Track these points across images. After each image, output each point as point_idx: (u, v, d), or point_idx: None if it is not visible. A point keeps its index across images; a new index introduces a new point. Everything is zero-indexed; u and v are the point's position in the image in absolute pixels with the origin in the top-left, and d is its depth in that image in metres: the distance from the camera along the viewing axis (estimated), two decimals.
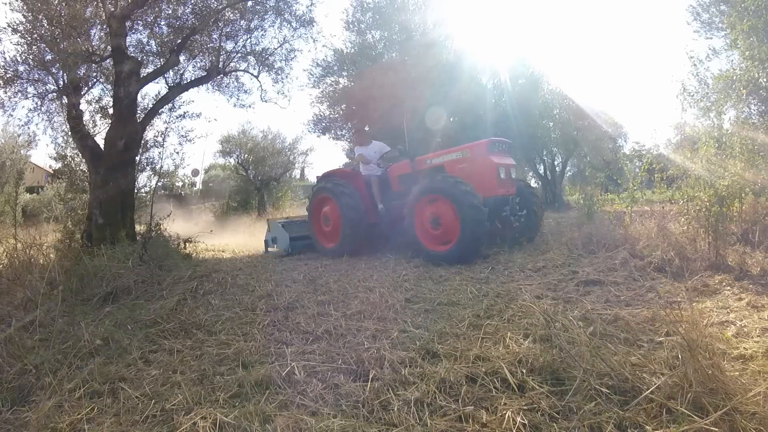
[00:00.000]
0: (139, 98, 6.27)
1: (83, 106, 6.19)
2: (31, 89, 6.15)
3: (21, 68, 5.87)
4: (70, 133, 6.11)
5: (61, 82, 6.06)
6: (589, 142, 14.20)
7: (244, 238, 10.19)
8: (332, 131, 11.57)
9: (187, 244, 5.64)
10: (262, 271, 4.60)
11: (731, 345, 1.99)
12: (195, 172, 22.13)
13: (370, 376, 1.81)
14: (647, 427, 1.36)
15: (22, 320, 2.48)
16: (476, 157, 4.92)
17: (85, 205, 6.01)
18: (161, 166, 6.83)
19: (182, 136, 7.37)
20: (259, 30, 7.13)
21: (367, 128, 7.49)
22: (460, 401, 1.58)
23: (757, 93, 6.19)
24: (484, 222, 4.31)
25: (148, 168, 6.82)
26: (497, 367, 1.77)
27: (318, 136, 11.71)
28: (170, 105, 6.89)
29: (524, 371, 1.74)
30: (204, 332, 2.58)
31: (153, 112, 6.56)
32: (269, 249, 6.88)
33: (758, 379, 1.59)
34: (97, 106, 6.45)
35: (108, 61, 6.15)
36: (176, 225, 6.39)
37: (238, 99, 7.76)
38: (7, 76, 5.79)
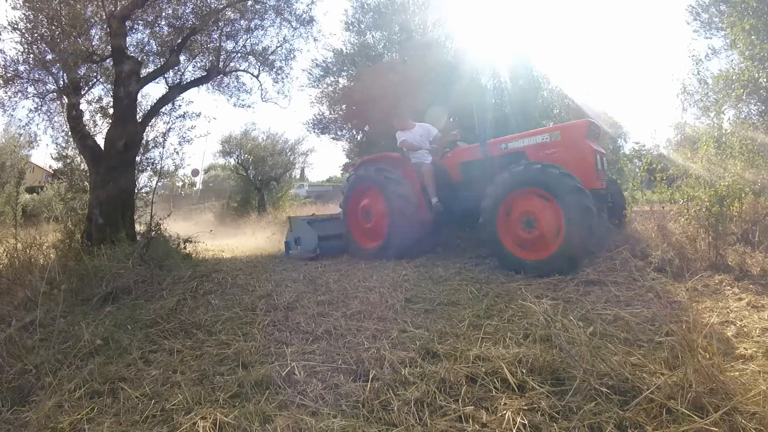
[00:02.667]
0: (139, 98, 6.27)
1: (83, 106, 6.19)
2: (31, 89, 6.15)
3: (21, 68, 5.87)
4: (70, 133, 6.11)
5: (61, 82, 6.06)
6: None
7: (244, 238, 10.20)
8: (332, 131, 11.56)
9: (187, 244, 5.64)
10: (262, 271, 4.60)
11: (731, 345, 1.99)
12: (195, 172, 22.14)
13: (370, 376, 1.80)
14: (647, 427, 1.36)
15: (22, 320, 2.48)
16: (570, 142, 4.04)
17: (85, 205, 6.01)
18: (162, 166, 6.80)
19: (182, 136, 7.37)
20: (260, 29, 7.14)
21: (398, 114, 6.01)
22: (460, 401, 1.58)
23: (756, 93, 6.19)
24: (595, 226, 3.58)
25: (149, 168, 6.81)
26: (497, 367, 1.77)
27: (318, 137, 11.69)
28: (171, 105, 6.89)
29: (524, 371, 1.74)
30: (204, 332, 2.58)
31: (153, 112, 6.56)
32: (291, 251, 5.97)
33: (758, 379, 1.59)
34: (97, 106, 6.45)
35: (108, 61, 6.15)
36: (176, 225, 6.38)
37: (238, 99, 7.76)
38: (8, 75, 5.80)
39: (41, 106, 6.32)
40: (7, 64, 5.74)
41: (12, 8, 5.40)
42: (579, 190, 3.57)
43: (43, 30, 5.59)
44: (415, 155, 5.29)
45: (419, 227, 4.78)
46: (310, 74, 10.84)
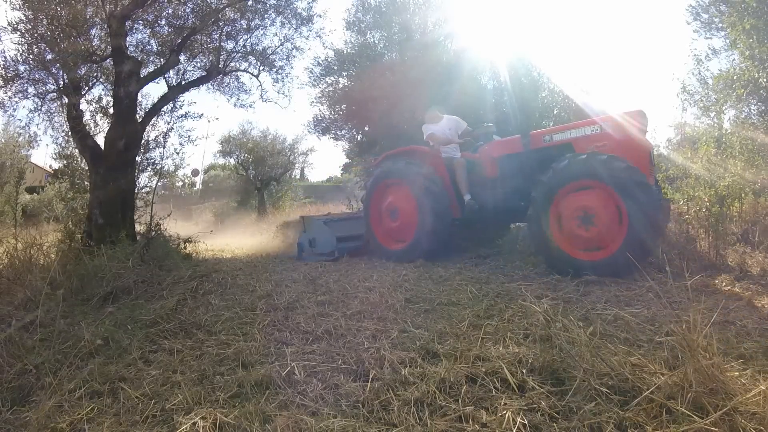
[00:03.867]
0: (139, 98, 6.27)
1: (83, 106, 6.19)
2: (31, 89, 6.15)
3: (21, 68, 5.88)
4: (70, 133, 6.11)
5: (61, 82, 6.06)
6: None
7: (244, 239, 10.21)
8: (332, 132, 11.55)
9: (187, 244, 5.64)
10: (262, 271, 4.60)
11: (731, 345, 1.99)
12: (195, 172, 22.15)
13: (370, 376, 1.80)
14: (647, 427, 1.36)
15: (22, 320, 2.48)
16: (623, 134, 3.73)
17: (85, 205, 6.01)
18: (162, 167, 6.80)
19: (182, 136, 7.37)
20: (260, 29, 7.14)
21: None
22: (460, 401, 1.58)
23: (756, 93, 6.19)
24: (661, 224, 3.38)
25: (149, 168, 6.81)
26: (497, 367, 1.76)
27: (318, 137, 11.67)
28: (171, 105, 6.90)
29: (524, 371, 1.74)
30: (204, 332, 2.58)
31: (153, 112, 6.56)
32: (304, 254, 5.57)
33: (758, 379, 1.59)
34: (98, 106, 6.45)
35: (108, 61, 6.15)
36: (176, 225, 6.37)
37: (238, 99, 7.76)
38: (8, 76, 5.80)
39: (41, 106, 6.32)
40: (8, 64, 5.74)
41: (12, 9, 5.40)
42: (646, 186, 3.32)
43: (43, 30, 5.59)
44: (444, 149, 4.93)
45: (451, 227, 4.49)
46: (311, 72, 10.83)
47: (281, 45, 7.39)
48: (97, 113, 6.32)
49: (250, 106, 8.38)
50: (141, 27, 6.49)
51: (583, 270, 3.36)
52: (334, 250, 5.17)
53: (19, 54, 5.70)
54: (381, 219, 4.98)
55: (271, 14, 7.00)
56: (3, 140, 13.82)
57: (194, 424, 1.51)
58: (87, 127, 6.01)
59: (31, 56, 5.73)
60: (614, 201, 3.38)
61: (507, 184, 4.36)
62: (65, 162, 6.77)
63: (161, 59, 6.62)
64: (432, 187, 4.50)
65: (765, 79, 5.89)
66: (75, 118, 5.81)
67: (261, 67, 7.42)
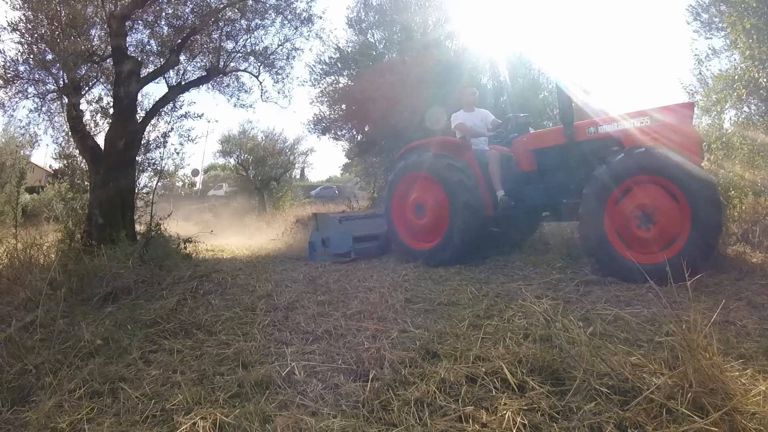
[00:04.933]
0: (139, 98, 6.28)
1: (83, 106, 6.20)
2: (31, 89, 6.16)
3: (21, 68, 5.88)
4: (70, 133, 6.11)
5: (62, 82, 6.06)
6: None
7: (244, 239, 10.21)
8: (332, 131, 11.56)
9: (187, 244, 5.64)
10: (262, 271, 4.60)
11: (731, 345, 1.99)
12: (195, 172, 22.19)
13: (370, 376, 1.80)
14: (647, 427, 1.36)
15: (22, 320, 2.48)
16: (675, 127, 3.46)
17: (85, 205, 6.01)
18: (162, 166, 6.80)
19: (182, 135, 7.37)
20: (260, 29, 7.15)
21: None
22: (460, 401, 1.58)
23: (757, 93, 6.18)
24: (720, 222, 3.13)
25: (149, 169, 6.81)
26: (497, 367, 1.76)
27: (318, 137, 11.69)
28: (171, 105, 6.90)
29: (524, 371, 1.74)
30: (204, 332, 2.58)
31: (153, 112, 6.56)
32: (316, 252, 5.22)
33: (758, 379, 1.59)
34: (98, 106, 6.46)
35: (108, 61, 6.16)
36: (176, 225, 6.36)
37: (238, 99, 7.78)
38: (8, 76, 5.80)
39: (41, 106, 6.33)
40: (8, 64, 5.75)
41: (12, 8, 5.40)
42: (710, 184, 3.10)
43: (43, 30, 5.60)
44: (474, 141, 4.62)
45: (484, 225, 4.18)
46: (312, 70, 10.84)
47: (281, 45, 7.40)
48: (97, 113, 6.33)
49: (250, 106, 8.40)
50: (141, 27, 6.50)
51: (641, 275, 2.96)
52: (351, 250, 4.85)
53: (19, 54, 5.72)
54: (404, 216, 4.63)
55: (271, 14, 7.02)
56: (3, 140, 13.82)
57: (194, 424, 1.51)
58: (87, 127, 6.02)
59: (31, 56, 5.74)
60: (675, 199, 3.13)
61: (546, 179, 4.09)
62: (65, 162, 6.77)
63: (161, 59, 6.62)
64: (466, 182, 4.16)
65: (765, 79, 5.89)
66: (75, 118, 5.82)
67: (261, 67, 7.43)
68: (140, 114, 6.32)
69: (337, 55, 10.78)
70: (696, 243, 3.05)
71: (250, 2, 6.73)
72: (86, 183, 6.23)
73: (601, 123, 3.80)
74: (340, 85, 11.06)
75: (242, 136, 17.87)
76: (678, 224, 3.14)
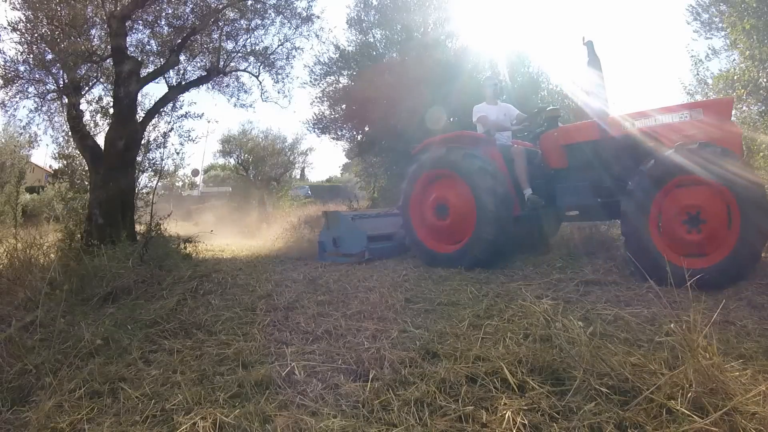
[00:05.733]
0: (139, 98, 6.28)
1: (83, 106, 6.21)
2: (31, 89, 6.16)
3: (21, 68, 5.89)
4: (70, 133, 6.12)
5: (61, 82, 6.07)
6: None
7: (244, 239, 10.20)
8: (332, 131, 11.56)
9: (187, 245, 5.64)
10: (262, 271, 4.60)
11: (731, 345, 1.99)
12: (195, 172, 22.20)
13: (370, 376, 1.80)
14: (647, 427, 1.36)
15: (22, 320, 2.48)
16: (715, 123, 3.30)
17: (85, 205, 6.02)
18: (163, 166, 6.80)
19: (182, 135, 7.37)
20: (260, 29, 7.15)
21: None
22: (460, 401, 1.58)
23: (756, 93, 6.18)
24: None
25: (150, 169, 6.81)
26: (497, 367, 1.76)
27: (318, 136, 11.68)
28: (171, 105, 6.90)
29: (524, 371, 1.74)
30: (204, 332, 2.58)
31: (153, 112, 6.57)
32: (326, 252, 5.03)
33: (758, 379, 1.59)
34: (98, 106, 6.46)
35: (108, 61, 6.16)
36: (176, 225, 6.36)
37: (238, 99, 7.78)
38: (8, 76, 5.80)
39: (41, 106, 6.34)
40: (8, 64, 5.75)
41: (12, 8, 5.40)
42: (760, 186, 2.94)
43: (43, 30, 5.60)
44: (497, 136, 4.40)
45: (511, 226, 3.93)
46: (312, 71, 10.84)
47: (281, 45, 7.40)
48: (97, 113, 6.33)
49: (250, 106, 8.41)
50: (141, 27, 6.50)
51: (687, 279, 2.98)
52: (365, 250, 4.60)
53: (19, 54, 5.72)
54: (423, 216, 4.37)
55: (270, 14, 7.02)
56: (3, 140, 13.82)
57: (194, 424, 1.51)
58: (87, 127, 6.02)
59: (31, 56, 5.74)
60: (725, 201, 2.95)
61: (579, 176, 3.85)
62: (65, 162, 6.77)
63: (161, 59, 6.63)
64: (494, 179, 3.90)
65: (765, 79, 5.90)
66: (75, 118, 5.82)
67: (261, 67, 7.43)
68: (140, 114, 6.32)
69: (337, 54, 10.78)
70: (744, 249, 2.87)
71: (250, 2, 6.73)
72: (86, 183, 6.24)
73: (639, 117, 3.61)
74: (340, 85, 11.07)
75: (243, 136, 17.88)
76: (725, 228, 2.96)
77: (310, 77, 10.86)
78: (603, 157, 3.70)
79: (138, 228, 5.84)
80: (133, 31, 6.41)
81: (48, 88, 6.24)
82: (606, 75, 3.71)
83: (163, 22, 6.49)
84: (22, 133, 7.10)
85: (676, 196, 3.11)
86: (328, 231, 5.11)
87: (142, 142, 6.33)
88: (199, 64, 7.13)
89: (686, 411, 1.37)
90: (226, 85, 7.59)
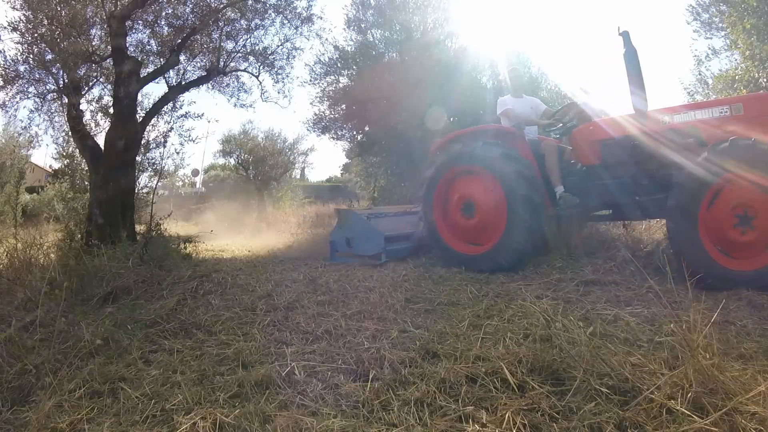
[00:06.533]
0: (139, 98, 6.29)
1: (83, 106, 6.22)
2: (31, 89, 6.17)
3: (21, 68, 5.89)
4: (70, 133, 6.12)
5: (62, 82, 6.07)
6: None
7: (244, 239, 10.20)
8: (332, 131, 11.56)
9: (187, 245, 5.64)
10: (262, 271, 4.60)
11: (731, 345, 1.99)
12: (195, 172, 22.21)
13: (370, 376, 1.80)
14: (647, 427, 1.36)
15: (22, 320, 2.48)
16: (756, 118, 3.16)
17: (85, 205, 6.02)
18: (163, 166, 6.81)
19: (181, 135, 7.37)
20: (260, 29, 7.15)
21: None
22: (460, 401, 1.58)
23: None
24: None
25: (150, 169, 6.82)
26: (497, 367, 1.76)
27: (318, 136, 11.69)
28: (171, 105, 6.91)
29: (524, 371, 1.74)
30: (204, 332, 2.57)
31: (153, 112, 6.57)
32: (338, 253, 4.79)
33: (758, 379, 1.59)
34: (98, 106, 6.47)
35: (108, 61, 6.16)
36: (176, 225, 6.36)
37: (238, 99, 7.78)
38: (9, 76, 5.80)
39: (42, 106, 6.34)
40: (8, 64, 5.75)
41: (12, 8, 5.41)
42: None
43: (43, 30, 5.60)
44: (531, 130, 4.21)
45: (542, 235, 3.75)
46: (312, 70, 10.84)
47: (281, 45, 7.41)
48: (97, 113, 6.35)
49: (250, 106, 8.41)
50: (141, 27, 6.51)
51: (742, 284, 2.81)
52: (381, 252, 4.34)
53: (19, 54, 5.72)
54: (446, 215, 4.16)
55: (270, 14, 7.02)
56: (3, 140, 13.83)
57: (194, 424, 1.51)
58: (87, 127, 6.03)
59: (31, 56, 5.74)
60: None
61: (614, 172, 3.66)
62: (65, 162, 6.78)
63: (161, 59, 6.63)
64: (527, 176, 3.70)
65: (765, 79, 5.90)
66: (75, 118, 5.82)
67: (261, 67, 7.44)
68: (140, 114, 6.33)
69: (337, 54, 10.78)
70: None
71: (250, 2, 6.73)
72: (86, 183, 6.24)
73: (676, 111, 3.49)
74: (340, 85, 11.07)
75: (243, 136, 17.87)
76: None
77: (310, 77, 10.86)
78: (641, 153, 3.51)
79: (138, 228, 5.84)
80: (133, 31, 6.42)
81: (48, 88, 6.25)
82: (643, 67, 3.50)
83: (163, 22, 6.50)
84: (22, 133, 7.10)
85: (728, 194, 2.95)
86: (341, 230, 4.85)
87: (142, 142, 6.34)
88: (199, 64, 7.15)
89: (686, 411, 1.38)
90: (226, 85, 7.60)
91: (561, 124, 4.30)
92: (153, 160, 6.82)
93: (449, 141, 4.33)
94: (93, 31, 6.20)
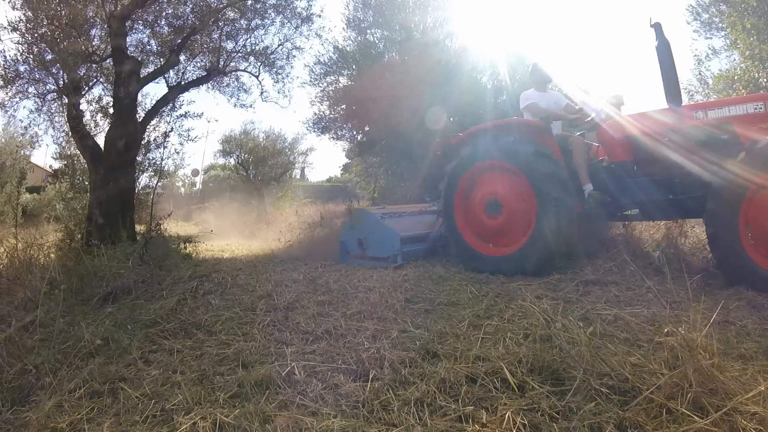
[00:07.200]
0: (139, 98, 6.29)
1: (83, 106, 6.22)
2: (31, 89, 6.17)
3: (21, 68, 5.89)
4: (70, 133, 6.12)
5: (62, 82, 6.07)
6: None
7: (244, 239, 10.19)
8: (332, 131, 11.57)
9: (187, 245, 5.64)
10: (262, 271, 4.59)
11: (731, 345, 1.99)
12: (195, 172, 22.20)
13: (370, 376, 1.80)
14: (647, 427, 1.36)
15: (22, 320, 2.48)
16: None
17: (85, 205, 6.02)
18: (162, 166, 6.81)
19: (182, 135, 7.37)
20: (260, 29, 7.16)
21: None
22: (460, 401, 1.58)
23: (757, 93, 6.18)
24: None
25: (150, 169, 6.81)
26: (497, 367, 1.76)
27: (318, 136, 11.70)
28: (171, 105, 6.91)
29: (524, 371, 1.74)
30: (204, 332, 2.57)
31: (153, 112, 6.57)
32: (349, 254, 4.61)
33: (758, 379, 1.58)
34: (98, 106, 6.47)
35: (108, 61, 6.16)
36: (176, 225, 6.35)
37: (238, 99, 7.79)
38: (9, 76, 5.80)
39: (42, 106, 6.34)
40: (8, 64, 5.75)
41: (12, 8, 5.41)
42: None
43: (43, 30, 5.60)
44: (557, 125, 4.06)
45: (573, 225, 3.56)
46: (312, 71, 10.85)
47: (281, 45, 7.41)
48: (97, 113, 6.35)
49: (250, 106, 8.41)
50: (141, 27, 6.51)
51: None
52: (397, 254, 4.14)
53: (19, 54, 5.72)
54: (470, 215, 3.96)
55: (270, 14, 7.03)
56: (3, 140, 13.82)
57: (194, 424, 1.51)
58: (87, 127, 6.03)
59: (31, 56, 5.74)
60: None
61: (646, 170, 3.51)
62: (65, 162, 6.78)
63: (161, 59, 6.63)
64: (558, 173, 3.52)
65: (765, 79, 5.90)
66: (75, 118, 5.82)
67: (261, 67, 7.44)
68: (140, 114, 6.33)
69: (337, 54, 10.78)
70: None
71: (250, 2, 6.74)
72: (86, 183, 6.24)
73: (711, 107, 3.36)
74: (340, 85, 11.07)
75: (243, 136, 17.86)
76: None
77: (310, 77, 10.87)
78: (675, 150, 3.33)
79: (138, 228, 5.84)
80: (133, 31, 6.42)
81: (48, 88, 6.26)
82: (675, 60, 3.39)
83: (163, 22, 6.50)
84: (23, 133, 7.09)
85: (766, 195, 2.82)
86: (352, 230, 4.65)
87: (142, 142, 6.34)
88: (199, 64, 7.15)
89: (686, 411, 1.38)
90: (226, 85, 7.61)
91: (588, 119, 4.06)
92: (153, 160, 6.82)
93: (470, 135, 4.13)
94: (93, 31, 6.21)
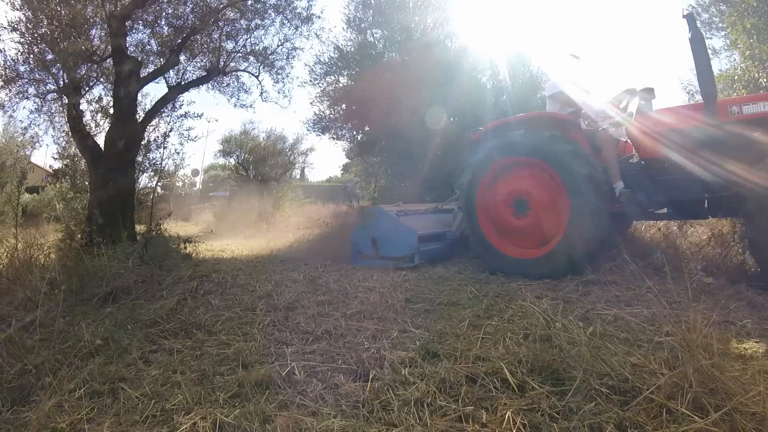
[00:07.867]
0: (139, 98, 6.29)
1: (83, 106, 6.21)
2: (31, 89, 6.16)
3: (21, 68, 5.89)
4: (70, 133, 6.12)
5: (62, 82, 6.07)
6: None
7: (244, 239, 10.19)
8: (332, 131, 11.56)
9: (187, 245, 5.63)
10: (262, 271, 4.59)
11: (731, 345, 1.99)
12: (195, 172, 22.20)
13: (370, 376, 1.81)
14: (647, 427, 1.36)
15: (22, 320, 2.48)
16: None
17: (85, 205, 6.02)
18: (162, 166, 6.81)
19: (182, 135, 7.37)
20: (260, 29, 7.16)
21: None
22: (460, 401, 1.58)
23: (757, 93, 6.18)
24: None
25: (150, 169, 6.81)
26: (497, 367, 1.76)
27: (318, 136, 11.70)
28: (171, 105, 6.91)
29: (524, 371, 1.74)
30: (204, 332, 2.57)
31: (153, 112, 6.57)
32: (362, 255, 4.44)
33: (758, 379, 1.58)
34: (98, 106, 6.46)
35: (108, 61, 6.16)
36: (176, 225, 6.35)
37: (238, 99, 7.79)
38: (9, 76, 5.80)
39: (42, 106, 6.34)
40: (8, 64, 5.75)
41: (12, 8, 5.41)
42: None
43: (43, 30, 5.60)
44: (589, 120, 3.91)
45: (606, 227, 3.40)
46: (312, 71, 10.84)
47: (281, 45, 7.41)
48: (97, 113, 6.33)
49: (250, 106, 8.41)
50: (141, 27, 6.51)
51: None
52: (414, 253, 4.00)
53: (19, 54, 5.72)
54: (494, 214, 3.79)
55: (270, 14, 7.03)
56: (3, 140, 13.81)
57: (194, 424, 1.51)
58: (87, 127, 6.02)
59: (31, 56, 5.73)
60: None
61: (679, 167, 3.32)
62: (65, 162, 6.78)
63: (161, 59, 6.63)
64: (598, 182, 3.36)
65: (765, 79, 5.89)
66: (75, 118, 5.82)
67: (261, 67, 7.44)
68: (140, 114, 6.33)
69: (337, 54, 10.78)
70: None
71: (250, 2, 6.74)
72: (86, 183, 6.24)
73: (746, 102, 3.20)
74: (340, 84, 11.07)
75: (244, 136, 17.84)
76: None
77: (310, 77, 10.86)
78: (710, 146, 3.17)
79: (138, 228, 5.84)
80: (133, 31, 6.42)
81: (48, 88, 6.25)
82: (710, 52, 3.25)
83: (163, 22, 6.50)
84: (24, 134, 7.09)
85: None
86: (365, 230, 4.48)
87: (142, 142, 6.34)
88: (199, 64, 7.15)
89: (686, 411, 1.37)
90: (226, 85, 7.60)
91: (616, 114, 3.81)
92: (153, 160, 6.82)
93: (493, 129, 3.95)
94: (93, 31, 6.20)
